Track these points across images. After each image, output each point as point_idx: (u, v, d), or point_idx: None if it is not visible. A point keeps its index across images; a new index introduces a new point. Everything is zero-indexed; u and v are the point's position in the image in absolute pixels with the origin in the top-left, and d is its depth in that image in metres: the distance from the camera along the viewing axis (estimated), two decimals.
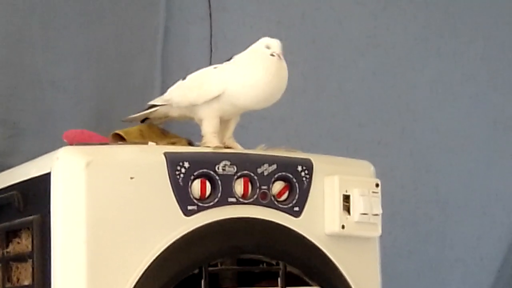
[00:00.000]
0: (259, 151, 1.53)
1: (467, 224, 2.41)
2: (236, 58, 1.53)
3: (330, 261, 1.51)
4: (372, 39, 2.36)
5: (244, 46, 2.17)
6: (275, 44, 1.50)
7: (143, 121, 1.67)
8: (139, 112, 1.65)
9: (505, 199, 2.45)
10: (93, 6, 2.00)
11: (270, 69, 1.48)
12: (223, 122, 1.54)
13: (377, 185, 1.55)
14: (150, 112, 1.63)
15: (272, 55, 1.49)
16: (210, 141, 1.51)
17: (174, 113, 1.60)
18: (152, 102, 1.63)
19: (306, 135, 2.24)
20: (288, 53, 2.23)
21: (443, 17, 2.43)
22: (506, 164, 2.47)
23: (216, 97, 1.51)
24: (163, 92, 2.02)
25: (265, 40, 1.52)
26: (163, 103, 1.60)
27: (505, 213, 2.44)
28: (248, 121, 1.96)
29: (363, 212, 1.51)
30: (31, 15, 1.95)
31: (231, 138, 1.56)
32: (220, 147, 1.49)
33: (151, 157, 1.41)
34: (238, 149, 1.53)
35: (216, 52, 2.11)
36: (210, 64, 2.08)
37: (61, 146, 1.40)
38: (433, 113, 2.42)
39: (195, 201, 1.42)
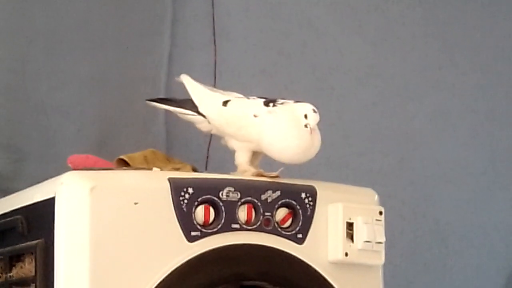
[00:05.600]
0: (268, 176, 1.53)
1: (466, 255, 2.41)
2: (277, 110, 1.53)
3: None
4: (371, 69, 2.38)
5: (246, 74, 2.20)
6: (311, 117, 1.49)
7: None
8: (167, 101, 1.64)
9: (503, 230, 2.45)
10: (97, 32, 2.02)
11: (302, 140, 1.49)
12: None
13: (380, 213, 1.55)
14: (179, 112, 1.61)
15: (305, 126, 1.49)
16: (248, 168, 1.53)
17: (204, 127, 1.61)
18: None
19: (305, 163, 2.24)
20: (288, 82, 2.27)
21: (442, 49, 2.46)
22: (505, 195, 2.47)
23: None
24: (166, 118, 2.03)
25: (305, 108, 1.50)
26: (200, 116, 1.59)
27: (504, 244, 2.44)
28: None
29: (367, 240, 1.51)
30: (35, 41, 1.96)
31: (257, 166, 1.58)
32: (261, 174, 1.51)
33: (155, 183, 1.42)
34: (273, 176, 1.52)
35: (220, 79, 2.13)
36: None
37: (65, 171, 1.40)
38: (432, 143, 2.43)
39: (198, 227, 1.42)
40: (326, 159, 2.28)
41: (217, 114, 1.58)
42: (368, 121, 2.36)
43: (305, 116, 1.50)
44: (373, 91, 2.37)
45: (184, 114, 1.62)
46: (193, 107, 1.60)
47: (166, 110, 1.68)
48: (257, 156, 1.58)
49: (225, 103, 1.58)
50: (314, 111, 1.50)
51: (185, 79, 1.64)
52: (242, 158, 1.55)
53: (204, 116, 1.59)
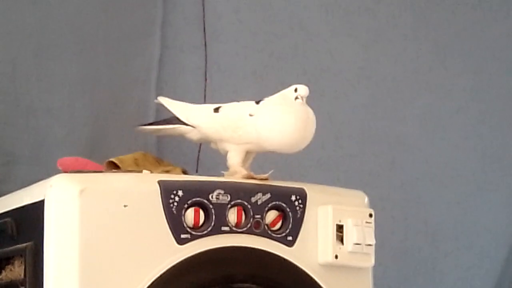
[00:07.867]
0: (258, 179, 1.53)
1: (456, 256, 2.41)
2: (266, 101, 1.55)
3: None
4: (362, 71, 2.38)
5: (237, 76, 2.20)
6: (301, 89, 1.53)
7: None
8: (155, 122, 1.65)
9: (493, 231, 2.46)
10: (87, 34, 2.02)
11: (297, 113, 1.51)
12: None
13: (370, 215, 1.55)
14: (168, 128, 1.64)
15: (296, 98, 1.52)
16: (240, 170, 1.53)
17: (193, 136, 1.61)
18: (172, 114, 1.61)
19: (296, 165, 2.25)
20: (279, 84, 2.27)
21: (433, 50, 2.46)
22: (495, 196, 2.48)
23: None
24: (157, 120, 2.03)
25: (294, 86, 1.53)
26: (188, 125, 1.60)
27: (494, 245, 2.45)
28: None
29: (357, 242, 1.51)
30: (25, 44, 1.95)
31: (248, 168, 1.58)
32: (251, 177, 1.51)
33: (145, 185, 1.41)
34: (263, 178, 1.53)
35: (210, 81, 2.13)
36: (205, 94, 2.11)
37: (55, 174, 1.39)
38: (423, 145, 2.43)
39: (188, 229, 1.42)
40: (316, 161, 2.28)
41: (210, 121, 1.58)
42: (359, 123, 2.37)
43: (295, 90, 1.52)
44: (364, 93, 2.38)
45: (173, 128, 1.62)
46: (179, 121, 1.61)
47: (156, 132, 1.68)
48: (248, 157, 1.58)
49: (216, 109, 1.59)
50: (302, 85, 1.52)
51: (163, 100, 1.65)
52: (235, 159, 1.55)
53: (192, 126, 1.60)
